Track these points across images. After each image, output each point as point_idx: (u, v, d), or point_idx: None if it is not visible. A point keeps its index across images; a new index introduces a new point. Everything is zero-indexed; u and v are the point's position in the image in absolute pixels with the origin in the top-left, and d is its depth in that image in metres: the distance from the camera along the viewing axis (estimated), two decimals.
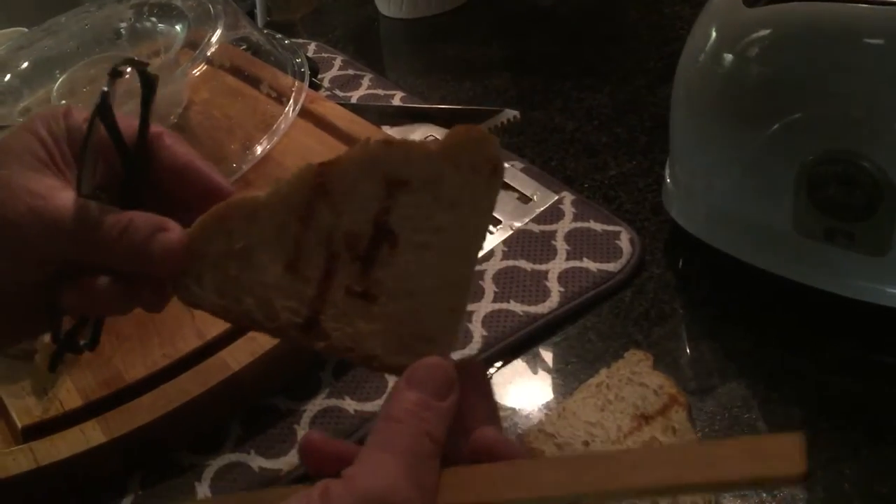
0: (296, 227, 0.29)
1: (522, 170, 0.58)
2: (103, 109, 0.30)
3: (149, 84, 0.32)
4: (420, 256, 0.29)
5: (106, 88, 0.30)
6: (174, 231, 0.30)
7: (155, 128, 0.33)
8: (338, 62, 0.78)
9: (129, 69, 0.32)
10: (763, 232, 0.44)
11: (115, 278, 0.31)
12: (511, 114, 0.60)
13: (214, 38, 0.61)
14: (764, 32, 0.41)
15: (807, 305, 0.44)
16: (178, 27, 0.64)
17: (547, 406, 0.43)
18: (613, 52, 0.71)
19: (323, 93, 0.72)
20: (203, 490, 0.42)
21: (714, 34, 0.43)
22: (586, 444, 0.40)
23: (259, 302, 0.29)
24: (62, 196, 0.30)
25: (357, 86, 0.73)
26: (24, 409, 0.45)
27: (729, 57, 0.42)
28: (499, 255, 0.52)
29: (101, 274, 0.31)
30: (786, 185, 0.41)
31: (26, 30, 1.18)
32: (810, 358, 0.42)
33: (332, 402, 0.45)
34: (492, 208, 0.29)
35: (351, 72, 0.76)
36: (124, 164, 0.32)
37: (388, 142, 0.29)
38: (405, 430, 0.26)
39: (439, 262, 0.29)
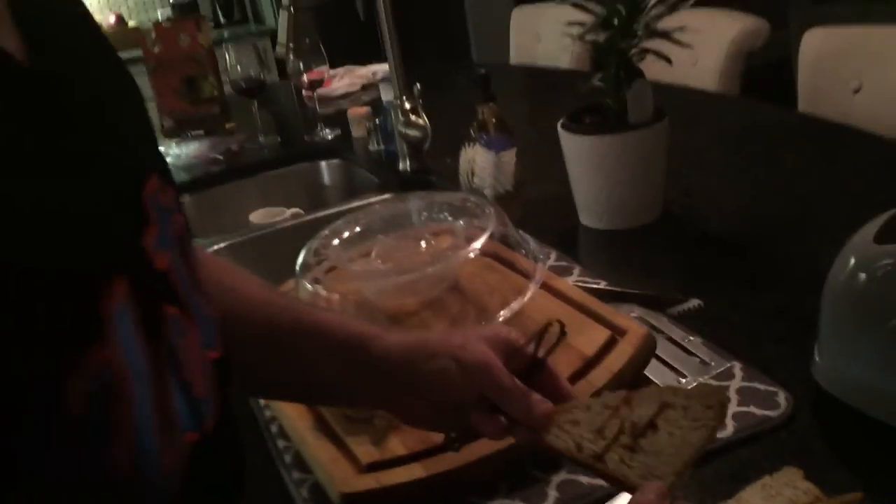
0: (607, 414, 0.54)
1: (703, 343, 0.80)
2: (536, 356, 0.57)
3: (562, 334, 0.57)
4: (668, 438, 0.52)
5: (534, 343, 0.57)
6: (548, 405, 0.55)
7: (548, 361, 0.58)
8: (553, 256, 1.04)
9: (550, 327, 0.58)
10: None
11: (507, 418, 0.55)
12: (695, 302, 0.83)
13: (486, 236, 0.87)
14: (888, 261, 0.63)
15: None
16: (460, 221, 0.91)
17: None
18: (771, 265, 0.93)
19: None
20: None
21: (853, 261, 0.66)
22: None
23: (577, 446, 0.53)
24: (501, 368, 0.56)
25: (570, 273, 0.98)
26: (366, 452, 0.68)
27: (863, 276, 0.64)
28: None
29: (499, 413, 0.55)
30: None
31: (301, 210, 1.53)
32: None
33: (573, 476, 0.66)
34: (718, 424, 0.52)
35: (563, 263, 1.02)
36: (530, 370, 0.58)
37: (672, 388, 0.55)
38: None
39: (679, 444, 0.52)
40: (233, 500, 0.51)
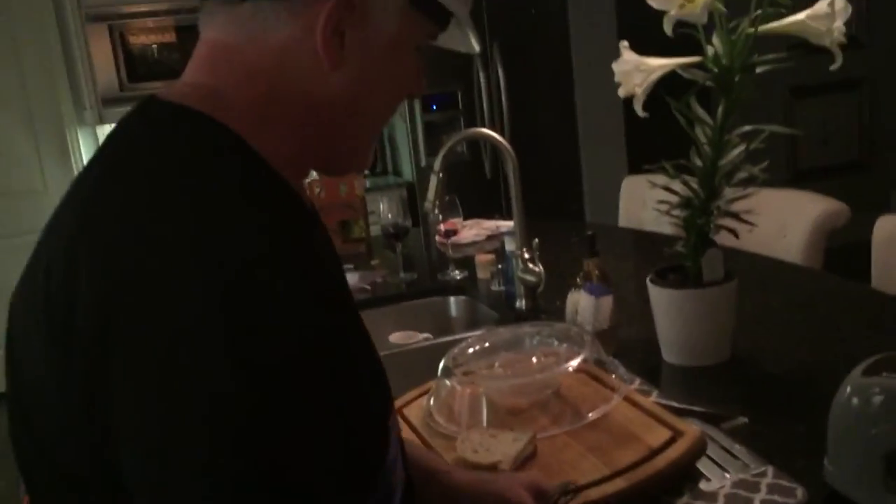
0: None
1: (746, 451, 1.04)
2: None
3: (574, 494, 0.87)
4: None
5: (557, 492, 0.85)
6: None
7: None
8: (637, 381, 1.31)
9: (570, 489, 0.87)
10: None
11: None
12: (742, 420, 1.08)
13: (582, 356, 1.16)
14: (872, 389, 0.88)
15: None
16: (564, 345, 1.20)
17: None
18: (809, 399, 1.17)
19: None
20: None
21: (848, 389, 0.90)
22: None
23: None
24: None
25: (649, 395, 1.24)
26: None
27: (854, 400, 0.89)
28: (728, 485, 0.97)
29: None
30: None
31: (430, 336, 1.84)
32: None
33: None
34: None
35: (645, 387, 1.28)
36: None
37: None
38: None
39: None
40: None
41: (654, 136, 4.06)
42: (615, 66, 1.28)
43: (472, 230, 2.51)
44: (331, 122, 0.72)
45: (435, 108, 3.87)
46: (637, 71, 1.24)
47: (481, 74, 3.87)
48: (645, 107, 1.28)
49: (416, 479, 0.81)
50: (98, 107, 3.72)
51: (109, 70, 3.68)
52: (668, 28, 1.16)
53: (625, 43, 1.26)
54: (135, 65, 3.73)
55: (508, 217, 2.61)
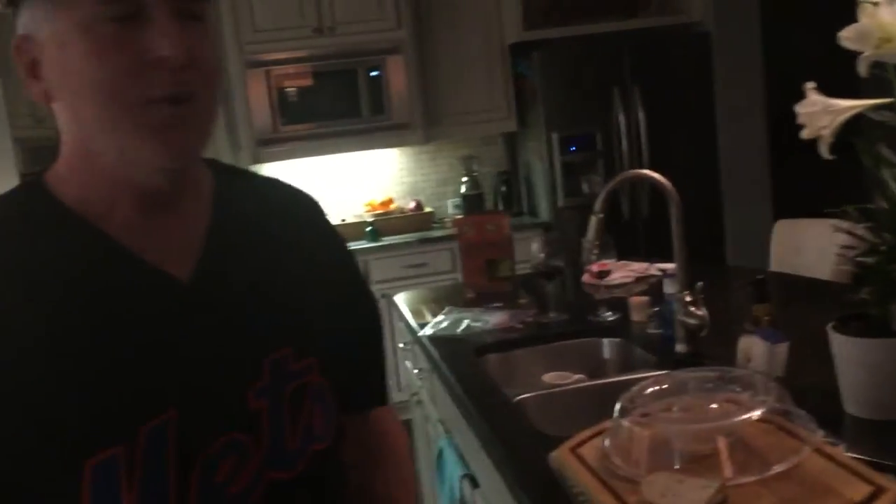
0: None
1: None
2: None
3: None
4: None
5: None
6: None
7: None
8: (820, 433, 1.25)
9: None
10: None
11: None
12: None
13: (767, 404, 1.12)
14: None
15: None
16: (746, 392, 1.17)
17: None
18: None
19: None
20: None
21: None
22: None
23: None
24: None
25: (836, 447, 1.19)
26: None
27: None
28: None
29: None
30: None
31: (584, 376, 1.83)
32: None
33: None
34: None
35: (830, 440, 1.23)
36: None
37: None
38: None
39: None
40: None
41: (801, 179, 3.91)
42: (799, 108, 1.25)
43: (619, 272, 2.49)
44: (90, 143, 0.81)
45: (573, 149, 3.88)
46: (825, 113, 1.21)
47: (622, 116, 3.86)
48: (832, 149, 1.25)
49: None
50: (252, 147, 3.94)
51: (265, 113, 3.89)
52: (863, 69, 1.13)
53: (812, 84, 1.24)
54: (285, 108, 3.94)
55: (647, 259, 2.57)
